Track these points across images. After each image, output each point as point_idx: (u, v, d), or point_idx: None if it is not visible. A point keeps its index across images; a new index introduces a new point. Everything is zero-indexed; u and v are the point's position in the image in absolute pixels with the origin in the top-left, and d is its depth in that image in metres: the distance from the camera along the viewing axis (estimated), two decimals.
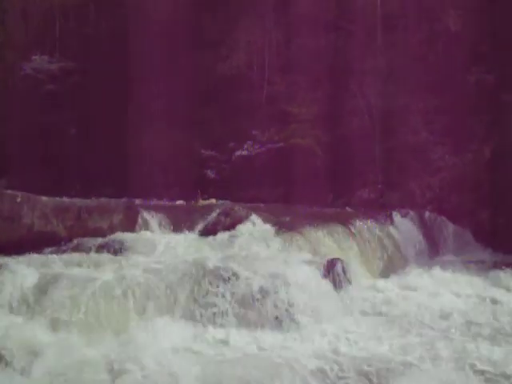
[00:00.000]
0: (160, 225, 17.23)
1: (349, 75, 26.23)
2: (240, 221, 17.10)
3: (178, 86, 27.96)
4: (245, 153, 27.12)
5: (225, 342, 10.80)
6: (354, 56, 26.52)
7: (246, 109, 27.85)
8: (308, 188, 23.66)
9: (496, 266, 17.75)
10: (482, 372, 9.20)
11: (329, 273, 13.51)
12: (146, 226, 17.04)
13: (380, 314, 12.53)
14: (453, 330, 11.36)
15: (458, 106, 23.39)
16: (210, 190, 25.53)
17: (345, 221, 18.18)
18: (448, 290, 14.39)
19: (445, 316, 12.27)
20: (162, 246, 15.31)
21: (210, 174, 27.57)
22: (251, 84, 28.68)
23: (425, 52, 26.21)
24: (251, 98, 28.27)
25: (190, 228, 17.12)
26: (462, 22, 25.55)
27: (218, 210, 17.75)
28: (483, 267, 17.63)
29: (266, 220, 17.31)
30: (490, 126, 22.55)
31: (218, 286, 12.02)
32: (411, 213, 20.48)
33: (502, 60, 23.12)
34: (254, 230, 16.66)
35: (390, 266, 17.23)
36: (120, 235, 15.81)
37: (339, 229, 17.63)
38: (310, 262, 13.49)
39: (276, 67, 28.94)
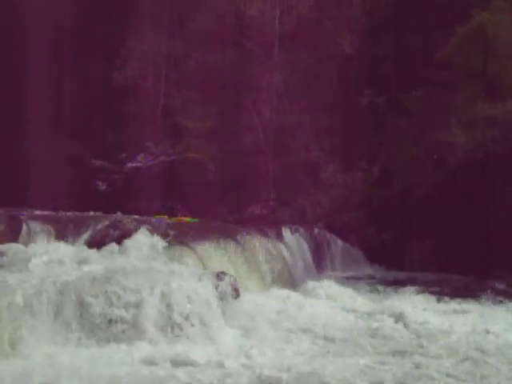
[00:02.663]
0: (44, 236, 16.47)
1: (244, 91, 26.45)
2: (129, 233, 16.59)
3: (67, 93, 27.12)
4: (137, 164, 26.63)
5: (110, 358, 10.36)
6: (250, 72, 26.77)
7: (140, 120, 27.43)
8: (200, 202, 23.53)
9: (383, 281, 18.37)
10: None
11: (217, 287, 13.37)
12: (30, 236, 16.23)
13: (266, 327, 12.49)
14: (329, 345, 11.48)
15: (349, 126, 24.11)
16: (100, 201, 24.82)
17: (235, 236, 18.11)
18: (331, 305, 14.62)
19: (326, 331, 12.38)
20: (45, 258, 14.60)
21: (101, 185, 26.82)
22: (146, 95, 28.30)
23: (319, 72, 26.89)
24: (146, 109, 27.89)
25: (77, 239, 16.48)
26: (356, 46, 26.46)
27: (106, 222, 17.20)
28: (370, 283, 18.14)
29: (155, 233, 16.94)
30: (378, 146, 23.37)
31: (103, 300, 11.55)
32: (301, 229, 20.75)
33: (391, 84, 24.09)
34: (143, 243, 16.26)
35: (279, 281, 17.30)
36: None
37: (229, 243, 17.54)
38: (198, 276, 13.25)
39: (173, 80, 28.73)
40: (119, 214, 21.14)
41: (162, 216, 19.02)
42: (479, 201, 19.78)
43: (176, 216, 18.47)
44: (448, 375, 9.26)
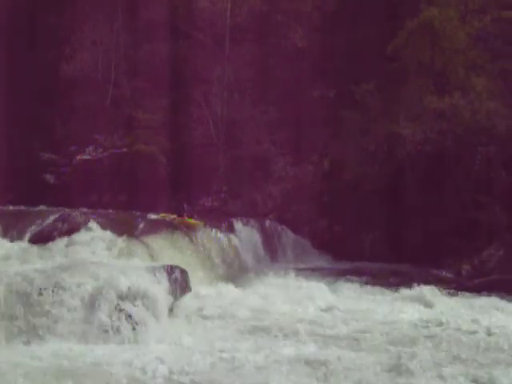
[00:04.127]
0: None
1: (195, 84, 26.28)
2: (78, 227, 16.37)
3: (15, 83, 26.36)
4: (86, 157, 26.17)
5: (56, 355, 10.19)
6: (201, 65, 26.60)
7: (89, 112, 26.96)
8: (151, 195, 23.33)
9: (333, 272, 18.58)
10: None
11: (168, 279, 13.30)
12: None
13: (217, 318, 12.53)
14: (279, 334, 11.58)
15: (300, 119, 24.24)
16: (48, 194, 24.35)
17: (187, 228, 18.04)
18: (282, 295, 14.72)
19: (274, 320, 12.49)
20: None
21: (49, 178, 26.25)
22: (96, 86, 27.79)
23: (270, 65, 26.92)
24: (95, 100, 27.41)
25: (24, 235, 16.15)
26: (308, 40, 26.57)
27: (54, 216, 16.90)
28: (321, 274, 18.29)
29: (105, 226, 16.71)
30: (328, 139, 23.54)
31: (49, 297, 11.34)
32: (252, 221, 20.79)
33: (342, 77, 24.24)
34: (92, 237, 16.04)
35: (230, 273, 17.33)
36: None
37: (181, 236, 17.49)
38: (148, 269, 13.15)
39: (123, 71, 28.32)
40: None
41: (168, 215, 18.67)
42: (427, 192, 20.08)
43: (181, 216, 18.09)
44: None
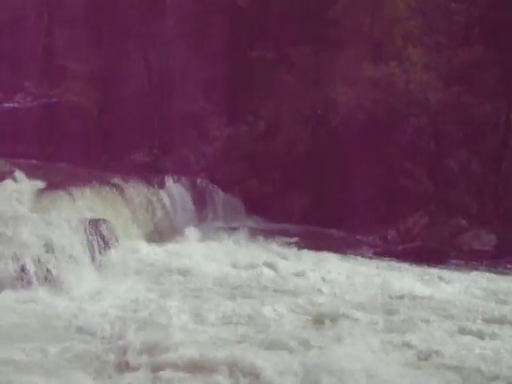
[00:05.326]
0: None
1: (131, 36, 25.53)
2: (2, 177, 15.84)
3: None
4: (14, 105, 25.19)
5: None
6: (138, 17, 25.81)
7: (19, 58, 25.87)
8: (81, 148, 22.75)
9: (261, 232, 18.70)
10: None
11: (93, 233, 13.08)
12: None
13: (141, 275, 12.45)
14: (207, 293, 11.67)
15: (236, 79, 23.96)
16: None
17: (116, 183, 17.73)
18: (207, 254, 14.80)
19: (201, 279, 12.52)
20: None
21: None
22: (27, 32, 26.63)
23: (209, 22, 26.37)
24: (26, 47, 26.31)
25: None
26: None
27: None
28: (249, 233, 18.39)
29: (31, 177, 16.22)
30: (264, 101, 23.41)
31: None
32: (183, 179, 20.61)
33: (281, 39, 24.03)
34: (17, 188, 15.55)
35: (159, 230, 17.22)
36: None
37: (109, 191, 17.18)
38: (72, 222, 12.87)
39: (56, 18, 27.22)
40: None
41: None
42: (358, 158, 20.30)
43: None
44: None
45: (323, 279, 13.39)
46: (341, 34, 22.28)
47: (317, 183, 20.70)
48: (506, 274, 15.55)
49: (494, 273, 15.45)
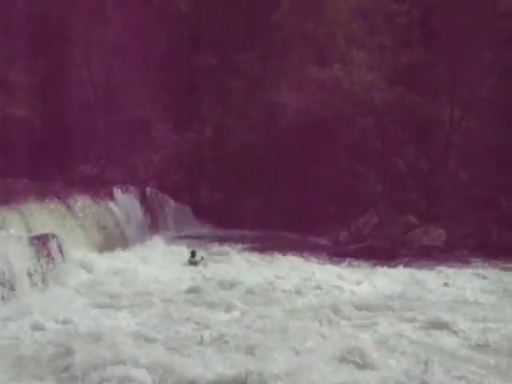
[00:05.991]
0: None
1: (74, 45, 25.05)
2: None
3: None
4: None
5: None
6: (80, 26, 25.34)
7: None
8: (26, 161, 22.16)
9: (213, 239, 18.66)
10: None
11: (40, 250, 12.74)
12: None
13: (91, 288, 12.20)
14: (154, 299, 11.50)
15: (182, 86, 23.80)
16: None
17: (63, 196, 17.33)
18: (157, 263, 14.76)
19: (145, 289, 12.31)
20: None
21: None
22: None
23: (154, 29, 26.12)
24: None
25: None
26: (192, 4, 26.01)
27: None
28: (201, 241, 18.32)
29: None
30: (211, 107, 23.37)
31: None
32: (132, 189, 20.31)
33: (226, 45, 24.03)
34: None
35: (110, 242, 16.90)
36: None
37: (57, 204, 16.79)
38: (19, 238, 12.52)
39: None
40: None
41: None
42: (307, 160, 20.42)
43: None
44: None
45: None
46: (285, 37, 22.45)
47: (267, 187, 20.74)
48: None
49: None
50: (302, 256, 16.34)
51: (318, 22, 22.53)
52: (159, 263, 14.93)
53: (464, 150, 21.76)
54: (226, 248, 17.24)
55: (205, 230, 20.84)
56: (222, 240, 18.54)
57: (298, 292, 12.46)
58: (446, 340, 9.48)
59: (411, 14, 22.70)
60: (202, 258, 15.22)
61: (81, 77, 24.78)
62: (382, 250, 17.82)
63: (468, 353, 8.95)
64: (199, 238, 19.18)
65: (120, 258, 14.98)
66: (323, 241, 19.36)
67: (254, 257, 16.26)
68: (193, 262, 15.11)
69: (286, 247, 17.29)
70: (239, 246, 17.89)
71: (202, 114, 23.41)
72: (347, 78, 21.08)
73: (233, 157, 21.62)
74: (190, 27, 25.57)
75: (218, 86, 23.15)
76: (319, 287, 12.80)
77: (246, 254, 16.57)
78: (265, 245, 17.82)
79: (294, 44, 22.56)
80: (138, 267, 14.20)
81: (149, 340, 9.12)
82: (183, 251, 16.12)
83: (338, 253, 17.61)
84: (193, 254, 15.41)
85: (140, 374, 7.61)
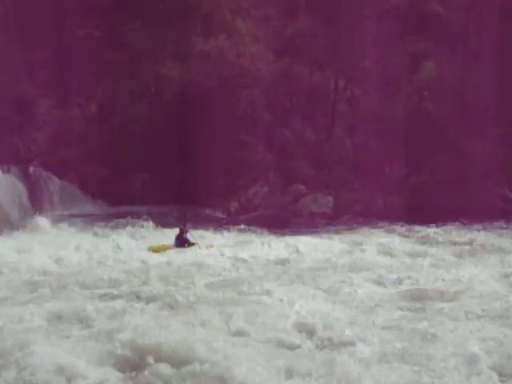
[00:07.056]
0: None
1: None
2: None
3: None
4: None
5: None
6: None
7: None
8: None
9: (104, 217, 18.16)
10: None
11: None
12: None
13: None
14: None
15: (64, 60, 22.88)
16: None
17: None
18: (40, 247, 13.96)
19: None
20: None
21: None
22: None
23: (33, 2, 24.87)
24: None
25: None
26: None
27: None
28: (90, 219, 17.82)
29: None
30: (95, 81, 22.61)
31: None
32: (15, 169, 19.38)
33: (108, 17, 23.24)
34: None
35: None
36: None
37: None
38: None
39: None
40: None
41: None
42: (193, 133, 20.14)
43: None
44: None
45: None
46: (169, 8, 21.94)
47: (156, 162, 20.38)
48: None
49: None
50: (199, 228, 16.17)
51: None
52: (39, 248, 14.07)
53: (349, 119, 22.30)
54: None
55: (94, 207, 20.24)
56: (112, 217, 18.06)
57: None
58: None
59: None
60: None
61: None
62: (273, 219, 18.06)
63: None
64: (87, 216, 18.59)
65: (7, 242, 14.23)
66: (215, 213, 19.33)
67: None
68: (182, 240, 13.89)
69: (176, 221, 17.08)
70: (130, 222, 17.41)
71: (86, 88, 22.62)
72: (233, 49, 21.00)
73: (119, 132, 21.09)
74: None
75: (102, 59, 22.34)
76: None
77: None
78: (156, 220, 17.47)
79: (179, 15, 22.11)
80: (19, 249, 13.52)
81: None
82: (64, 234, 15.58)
83: (229, 224, 17.66)
84: (181, 231, 14.01)
85: None
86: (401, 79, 22.11)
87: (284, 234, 15.86)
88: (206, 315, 8.16)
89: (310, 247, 14.07)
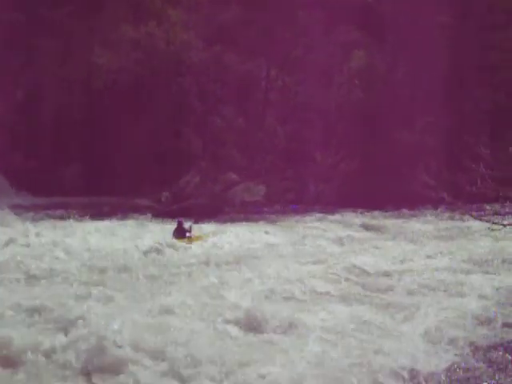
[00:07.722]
0: None
1: None
2: None
3: None
4: None
5: None
6: None
7: None
8: None
9: (31, 208, 17.62)
10: None
11: None
12: None
13: None
14: None
15: None
16: None
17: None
18: None
19: None
20: None
21: None
22: None
23: None
24: None
25: None
26: None
27: None
28: (18, 211, 17.26)
29: None
30: (22, 68, 21.93)
31: None
32: None
33: (35, 1, 22.53)
34: None
35: None
36: None
37: None
38: None
39: None
40: None
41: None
42: (125, 122, 19.85)
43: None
44: None
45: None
46: None
47: (85, 152, 19.99)
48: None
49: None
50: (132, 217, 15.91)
51: None
52: None
53: (281, 108, 22.39)
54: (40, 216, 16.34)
55: (21, 199, 19.65)
56: (39, 209, 17.54)
57: None
58: None
59: None
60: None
61: None
62: (204, 208, 17.92)
63: None
64: (15, 208, 18.01)
65: None
66: (146, 202, 19.07)
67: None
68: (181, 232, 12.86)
69: (106, 212, 16.77)
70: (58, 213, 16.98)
71: (12, 75, 21.89)
72: (163, 37, 20.75)
73: (47, 121, 20.57)
74: None
75: (29, 46, 21.68)
76: None
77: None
78: (85, 211, 17.08)
79: (108, 2, 21.73)
80: None
81: None
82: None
83: (160, 213, 17.45)
84: (180, 224, 13.05)
85: None
86: (332, 68, 22.32)
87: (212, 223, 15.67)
88: None
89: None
